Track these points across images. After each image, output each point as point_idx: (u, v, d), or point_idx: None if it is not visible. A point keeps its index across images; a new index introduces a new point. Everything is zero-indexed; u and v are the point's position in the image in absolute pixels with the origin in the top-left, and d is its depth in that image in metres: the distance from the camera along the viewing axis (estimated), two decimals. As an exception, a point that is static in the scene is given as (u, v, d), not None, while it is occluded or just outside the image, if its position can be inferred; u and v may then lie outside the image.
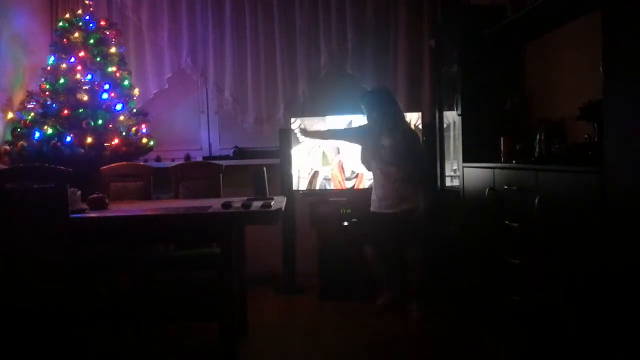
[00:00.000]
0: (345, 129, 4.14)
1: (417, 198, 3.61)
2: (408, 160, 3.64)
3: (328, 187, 4.31)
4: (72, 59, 4.10)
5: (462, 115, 3.56)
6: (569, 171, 2.22)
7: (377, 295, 3.79)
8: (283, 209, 3.00)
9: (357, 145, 3.91)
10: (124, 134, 4.06)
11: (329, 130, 4.15)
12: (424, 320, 3.53)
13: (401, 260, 3.71)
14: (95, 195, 3.01)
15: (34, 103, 4.07)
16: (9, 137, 4.06)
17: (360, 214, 3.96)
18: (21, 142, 3.93)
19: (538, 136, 2.88)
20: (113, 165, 3.80)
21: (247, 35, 4.58)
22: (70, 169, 2.58)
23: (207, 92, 4.80)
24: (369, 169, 3.87)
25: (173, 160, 4.61)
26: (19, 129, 4.01)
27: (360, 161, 3.89)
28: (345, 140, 4.06)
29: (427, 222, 3.64)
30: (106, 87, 4.08)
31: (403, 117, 3.82)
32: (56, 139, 3.87)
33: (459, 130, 3.61)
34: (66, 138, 3.88)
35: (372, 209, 3.78)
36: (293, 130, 4.24)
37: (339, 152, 4.30)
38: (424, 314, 3.59)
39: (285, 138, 4.23)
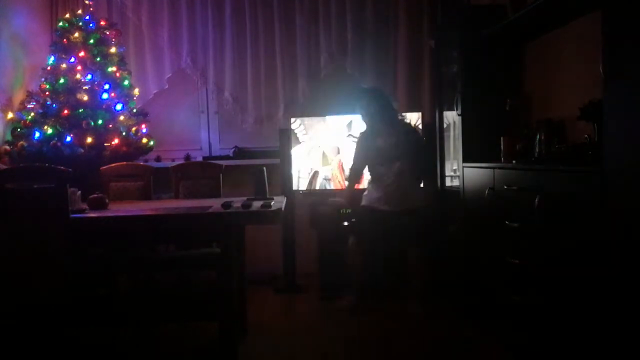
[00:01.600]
0: (358, 157, 3.87)
1: (420, 195, 3.63)
2: (411, 155, 3.68)
3: (328, 187, 4.31)
4: (72, 59, 4.10)
5: (462, 115, 3.55)
6: (569, 171, 2.22)
7: (341, 294, 3.81)
8: (283, 209, 3.00)
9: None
10: (124, 134, 4.06)
11: (351, 175, 3.94)
12: (424, 319, 3.53)
13: (401, 259, 3.70)
14: (95, 195, 3.01)
15: (34, 103, 4.07)
16: (9, 137, 4.06)
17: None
18: (21, 142, 3.93)
19: (538, 136, 2.87)
20: (113, 165, 3.80)
21: (247, 35, 4.58)
22: (70, 169, 2.58)
23: (207, 92, 4.80)
24: (370, 170, 3.84)
25: (173, 160, 4.62)
26: (19, 129, 4.01)
27: (355, 166, 3.86)
28: (366, 163, 3.87)
29: (431, 220, 3.65)
30: (106, 87, 4.08)
31: (399, 113, 3.86)
32: (56, 139, 3.87)
33: (459, 130, 3.61)
34: (66, 138, 3.88)
35: (365, 203, 3.78)
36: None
37: (339, 152, 4.31)
38: (423, 312, 3.61)
39: (285, 138, 4.23)
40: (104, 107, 4.04)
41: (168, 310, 3.18)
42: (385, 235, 3.69)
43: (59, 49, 4.15)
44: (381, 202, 3.70)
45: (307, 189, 4.32)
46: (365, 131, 3.84)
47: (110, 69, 4.16)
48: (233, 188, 3.93)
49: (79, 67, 4.07)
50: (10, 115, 4.10)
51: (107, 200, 3.04)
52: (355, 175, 3.91)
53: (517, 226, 2.66)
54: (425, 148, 3.89)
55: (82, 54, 4.10)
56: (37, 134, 3.92)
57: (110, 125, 4.02)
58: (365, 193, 3.82)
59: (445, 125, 4.10)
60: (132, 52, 4.60)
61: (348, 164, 4.27)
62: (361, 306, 3.74)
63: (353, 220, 3.87)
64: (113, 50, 4.22)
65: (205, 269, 3.32)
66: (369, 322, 3.55)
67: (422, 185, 3.82)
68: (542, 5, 2.70)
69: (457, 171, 3.72)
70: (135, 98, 4.33)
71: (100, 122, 3.95)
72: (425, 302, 3.67)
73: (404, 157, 3.67)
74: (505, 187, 2.77)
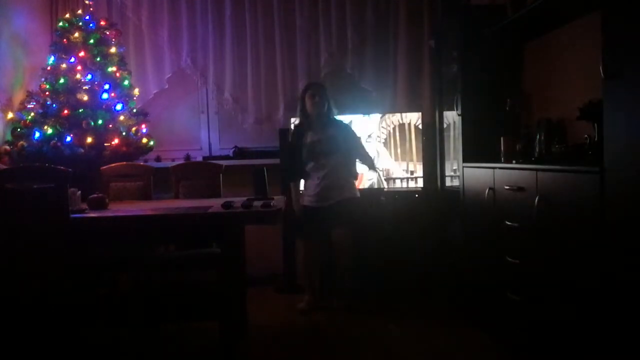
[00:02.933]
0: (293, 152, 3.86)
1: (351, 186, 3.77)
2: (345, 149, 3.76)
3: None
4: (72, 59, 4.10)
5: (462, 115, 3.55)
6: (569, 171, 2.22)
7: (299, 296, 3.90)
8: (283, 209, 3.00)
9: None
10: (124, 134, 4.06)
11: (291, 176, 3.93)
12: (424, 319, 3.53)
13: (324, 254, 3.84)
14: (95, 195, 3.01)
15: (34, 103, 4.07)
16: (9, 137, 4.06)
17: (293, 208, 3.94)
18: (21, 142, 3.93)
19: (538, 136, 2.87)
20: (113, 165, 3.80)
21: (247, 35, 4.58)
22: (70, 169, 2.58)
23: (207, 92, 4.80)
24: (303, 167, 3.81)
25: (173, 160, 4.62)
26: (19, 129, 4.01)
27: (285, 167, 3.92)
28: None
29: (359, 207, 3.77)
30: (106, 87, 4.08)
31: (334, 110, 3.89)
32: (56, 139, 3.87)
33: (459, 130, 3.61)
34: (66, 138, 3.88)
35: (306, 203, 3.80)
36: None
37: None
38: (349, 303, 3.73)
39: (285, 138, 4.23)
40: (104, 107, 4.04)
41: (168, 310, 3.18)
42: (324, 231, 3.76)
43: (59, 49, 4.15)
44: (316, 200, 3.74)
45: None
46: (301, 126, 3.84)
47: (110, 69, 4.16)
48: (233, 188, 3.92)
49: (79, 67, 4.07)
50: (10, 115, 4.10)
51: (107, 200, 3.04)
52: (297, 172, 3.88)
53: (517, 226, 2.66)
54: (359, 141, 3.92)
55: (82, 54, 4.10)
56: (37, 134, 3.92)
57: (110, 125, 4.02)
58: (304, 191, 3.85)
59: (445, 125, 4.10)
60: (132, 52, 4.60)
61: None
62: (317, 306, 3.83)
63: (297, 224, 3.89)
64: (113, 50, 4.22)
65: (205, 269, 3.32)
66: (369, 322, 3.56)
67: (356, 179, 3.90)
68: (542, 5, 2.70)
69: (457, 171, 3.72)
70: (135, 98, 4.33)
71: (100, 122, 3.95)
72: (349, 295, 3.78)
73: (334, 153, 3.71)
74: (505, 187, 2.77)
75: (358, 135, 4.00)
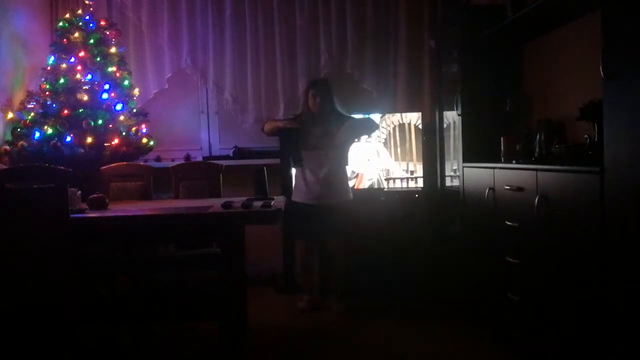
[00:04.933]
0: (295, 137, 3.79)
1: (346, 188, 3.76)
2: (347, 146, 3.78)
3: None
4: (72, 59, 4.10)
5: (462, 115, 3.55)
6: (569, 171, 2.22)
7: (299, 296, 3.89)
8: (283, 209, 3.00)
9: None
10: (124, 134, 4.06)
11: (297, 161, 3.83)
12: (424, 319, 3.53)
13: (322, 252, 3.81)
14: (95, 195, 3.01)
15: (34, 103, 4.07)
16: (9, 137, 4.06)
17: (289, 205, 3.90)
18: (21, 142, 3.93)
19: (538, 136, 2.87)
20: (113, 165, 3.80)
21: (247, 35, 4.58)
22: (70, 169, 2.58)
23: (207, 92, 4.80)
24: (297, 160, 3.77)
25: (173, 160, 4.61)
26: (19, 129, 4.01)
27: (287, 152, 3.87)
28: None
29: (350, 214, 3.75)
30: (106, 87, 4.08)
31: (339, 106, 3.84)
32: (56, 139, 3.87)
33: (459, 130, 3.61)
34: (66, 138, 3.88)
35: (296, 199, 3.78)
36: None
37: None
38: (344, 307, 3.71)
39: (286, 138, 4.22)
40: (104, 107, 4.03)
41: (168, 310, 3.18)
42: (317, 230, 3.75)
43: (59, 49, 4.15)
44: (310, 197, 3.73)
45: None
46: (307, 115, 3.79)
47: (110, 69, 4.15)
48: (233, 188, 3.92)
49: (79, 67, 4.07)
50: (10, 115, 4.10)
51: (107, 200, 3.04)
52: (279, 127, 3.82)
53: (517, 226, 2.66)
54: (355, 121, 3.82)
55: (82, 54, 4.10)
56: (37, 134, 3.92)
57: (110, 125, 4.02)
58: (297, 186, 3.82)
59: (445, 125, 4.10)
60: (132, 52, 4.60)
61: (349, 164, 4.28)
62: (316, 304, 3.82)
63: (294, 222, 3.86)
64: (113, 50, 4.22)
65: (205, 269, 3.32)
66: (369, 322, 3.56)
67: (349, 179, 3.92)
68: (542, 5, 2.70)
69: (457, 171, 3.72)
70: (135, 98, 4.33)
71: (100, 122, 3.95)
72: (344, 296, 3.76)
73: (333, 147, 3.70)
74: (505, 187, 2.77)
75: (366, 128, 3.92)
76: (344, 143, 3.76)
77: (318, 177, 3.70)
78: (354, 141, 3.92)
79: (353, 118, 3.83)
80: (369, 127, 3.89)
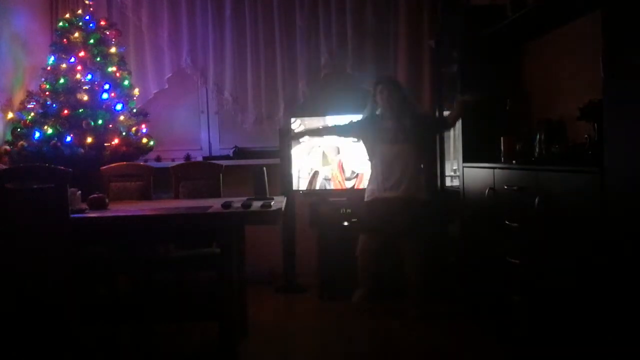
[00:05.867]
0: (344, 125, 3.92)
1: (421, 186, 3.65)
2: (422, 142, 3.72)
3: (328, 187, 4.31)
4: (72, 59, 4.10)
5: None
6: (569, 171, 2.22)
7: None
8: (283, 209, 3.00)
9: (355, 140, 3.95)
10: (124, 134, 4.06)
11: (326, 127, 4.05)
12: (424, 319, 3.53)
13: (398, 254, 3.66)
14: (95, 195, 3.01)
15: (34, 103, 4.07)
16: (9, 137, 4.06)
17: (357, 205, 3.94)
18: (21, 142, 3.93)
19: (538, 136, 2.87)
20: (113, 165, 3.80)
21: (247, 35, 4.58)
22: (70, 169, 2.58)
23: (207, 92, 4.80)
24: (372, 156, 3.75)
25: (173, 160, 4.61)
26: (19, 129, 4.01)
27: (367, 153, 3.81)
28: (344, 135, 3.99)
29: (429, 216, 3.64)
30: (106, 87, 4.08)
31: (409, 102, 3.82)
32: (56, 139, 3.87)
33: (459, 130, 3.61)
34: (66, 138, 3.88)
35: (368, 198, 3.71)
36: (292, 131, 4.20)
37: (339, 152, 4.31)
38: (422, 313, 3.58)
39: (285, 138, 4.23)
40: (104, 107, 4.03)
41: (168, 310, 3.18)
42: (388, 222, 3.58)
43: (59, 49, 4.15)
44: (384, 189, 3.61)
45: (307, 189, 4.32)
46: (372, 114, 3.76)
47: (110, 69, 4.15)
48: (233, 188, 3.92)
49: (79, 67, 4.07)
50: (10, 115, 4.10)
51: (107, 200, 3.04)
52: (336, 131, 3.93)
53: (517, 226, 2.66)
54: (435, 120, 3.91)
55: (82, 54, 4.10)
56: (37, 134, 3.92)
57: (110, 125, 4.02)
58: (370, 186, 3.74)
59: (445, 125, 4.10)
60: (132, 52, 4.60)
61: (348, 164, 4.28)
62: (366, 304, 3.71)
63: (360, 220, 3.82)
64: (113, 50, 4.22)
65: (205, 269, 3.32)
66: (369, 322, 3.56)
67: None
68: (542, 5, 2.70)
69: (457, 171, 3.72)
70: (135, 98, 4.33)
71: (100, 122, 3.95)
72: (423, 303, 3.62)
73: (408, 142, 3.62)
74: (505, 187, 2.77)
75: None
76: (421, 139, 3.71)
77: (395, 172, 3.61)
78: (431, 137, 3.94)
79: (430, 115, 3.90)
80: (445, 126, 3.87)
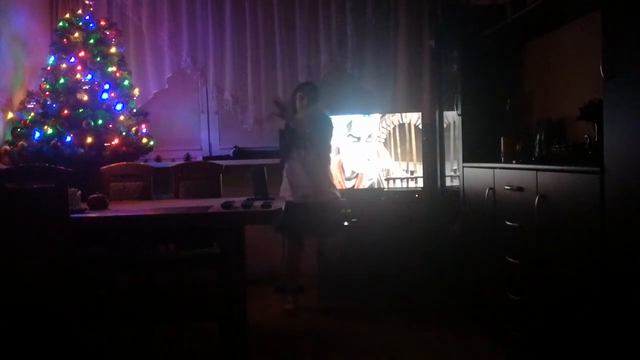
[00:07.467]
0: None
1: (332, 186, 3.84)
2: (326, 148, 3.85)
3: (328, 187, 4.29)
4: (72, 59, 4.10)
5: (462, 115, 3.56)
6: (569, 171, 2.22)
7: (299, 296, 3.91)
8: (283, 209, 3.00)
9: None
10: (124, 134, 4.06)
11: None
12: (424, 320, 3.52)
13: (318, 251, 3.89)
14: (95, 195, 3.01)
15: (34, 103, 4.07)
16: (9, 137, 4.06)
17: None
18: (21, 142, 3.93)
19: (538, 136, 2.87)
20: (113, 165, 3.80)
21: (247, 35, 4.58)
22: (70, 169, 2.58)
23: (207, 92, 4.80)
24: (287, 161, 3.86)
25: (173, 160, 4.61)
26: (19, 129, 4.01)
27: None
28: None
29: (338, 210, 3.85)
30: (106, 87, 4.08)
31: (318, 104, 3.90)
32: (56, 139, 3.87)
33: (459, 130, 3.61)
34: (66, 138, 3.88)
35: (286, 203, 3.75)
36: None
37: (338, 152, 4.31)
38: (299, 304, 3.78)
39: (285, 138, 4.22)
40: (104, 107, 4.03)
41: (168, 310, 3.18)
42: (307, 229, 3.79)
43: (59, 49, 4.15)
44: (299, 195, 3.76)
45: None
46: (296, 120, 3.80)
47: (110, 69, 4.15)
48: (233, 188, 3.92)
49: (79, 67, 4.07)
50: (10, 115, 4.11)
51: (107, 200, 3.04)
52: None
53: (517, 226, 2.66)
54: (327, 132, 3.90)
55: (82, 54, 4.10)
56: (37, 134, 3.92)
57: (110, 125, 4.02)
58: (285, 186, 3.85)
59: (445, 125, 4.10)
60: (132, 52, 4.60)
61: (348, 164, 4.29)
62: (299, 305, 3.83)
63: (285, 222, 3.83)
64: (113, 50, 4.22)
65: (205, 269, 3.32)
66: (369, 323, 3.55)
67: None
68: (542, 5, 2.70)
69: (457, 171, 3.72)
70: (135, 98, 4.33)
71: (100, 122, 3.95)
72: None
73: (322, 149, 3.79)
74: (505, 187, 2.77)
75: (331, 126, 3.94)
76: (318, 140, 3.79)
77: (304, 176, 3.76)
78: (329, 138, 3.92)
79: (320, 114, 3.87)
80: (328, 125, 3.91)
